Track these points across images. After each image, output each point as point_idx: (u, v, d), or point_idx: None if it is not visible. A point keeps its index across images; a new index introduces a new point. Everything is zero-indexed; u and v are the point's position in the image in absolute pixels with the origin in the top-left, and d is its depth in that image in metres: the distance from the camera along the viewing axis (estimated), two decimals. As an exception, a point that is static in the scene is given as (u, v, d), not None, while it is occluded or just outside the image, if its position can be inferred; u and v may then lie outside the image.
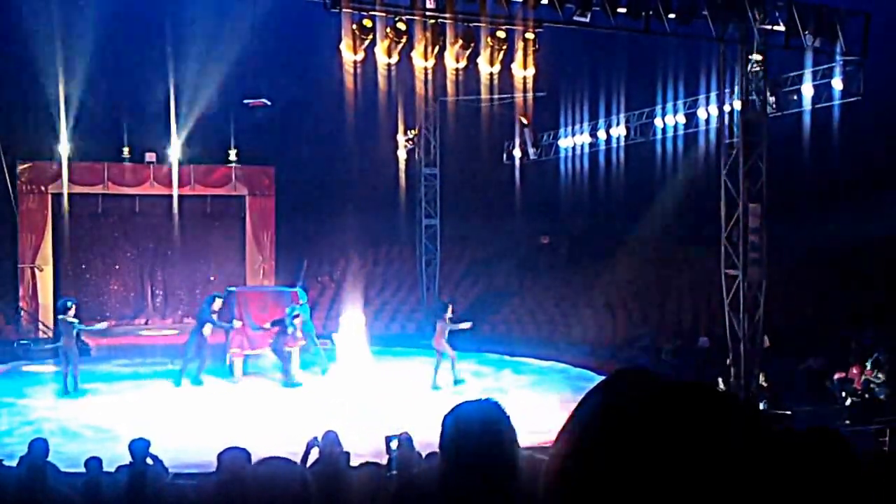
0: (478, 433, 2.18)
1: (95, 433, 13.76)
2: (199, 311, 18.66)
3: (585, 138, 26.81)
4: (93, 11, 21.79)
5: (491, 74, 16.76)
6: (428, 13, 15.54)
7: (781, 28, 15.95)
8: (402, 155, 26.81)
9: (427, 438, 10.08)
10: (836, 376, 17.54)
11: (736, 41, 16.11)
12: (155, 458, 8.74)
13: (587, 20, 15.19)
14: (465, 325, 18.07)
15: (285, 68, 25.07)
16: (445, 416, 2.29)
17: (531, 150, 27.78)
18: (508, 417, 2.24)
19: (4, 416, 15.02)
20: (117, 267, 26.74)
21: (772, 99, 17.19)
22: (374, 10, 15.24)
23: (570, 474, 0.90)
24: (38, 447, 8.22)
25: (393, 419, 13.12)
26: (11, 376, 18.90)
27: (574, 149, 27.60)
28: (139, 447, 8.59)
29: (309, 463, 8.69)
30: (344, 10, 14.73)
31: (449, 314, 17.87)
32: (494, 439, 2.18)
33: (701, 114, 22.53)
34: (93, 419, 14.65)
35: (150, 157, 25.78)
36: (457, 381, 17.74)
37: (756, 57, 16.12)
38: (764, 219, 16.25)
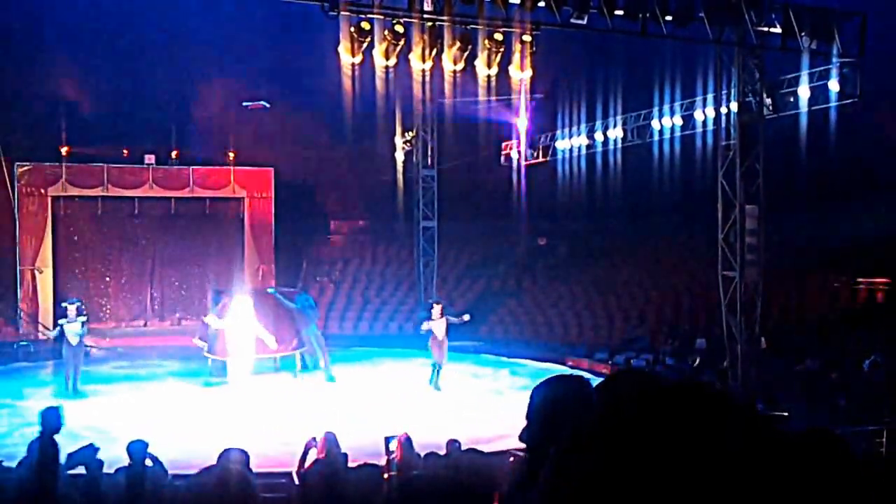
0: (564, 408, 2.17)
1: (95, 434, 13.73)
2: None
3: (583, 140, 26.77)
4: (93, 13, 21.78)
5: (489, 76, 16.73)
6: (426, 16, 15.51)
7: (778, 30, 15.94)
8: (399, 157, 26.77)
9: (426, 439, 10.12)
10: (834, 377, 17.53)
11: (732, 43, 16.10)
12: (154, 458, 8.73)
13: (584, 22, 15.15)
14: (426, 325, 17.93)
15: (284, 71, 25.04)
16: (535, 389, 2.29)
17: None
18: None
19: (4, 417, 15.01)
20: (116, 269, 26.71)
21: (768, 101, 17.16)
22: (372, 13, 15.22)
23: (569, 475, 0.91)
24: (45, 448, 8.18)
25: (392, 420, 13.14)
26: (11, 377, 18.89)
27: (571, 151, 27.56)
28: (137, 448, 8.57)
29: (307, 463, 8.69)
30: (342, 13, 14.72)
31: (435, 312, 17.79)
32: (580, 415, 2.18)
33: (698, 116, 22.50)
34: (92, 420, 14.62)
35: (149, 159, 25.74)
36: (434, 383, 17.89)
37: (752, 59, 16.14)
38: (761, 220, 16.24)
